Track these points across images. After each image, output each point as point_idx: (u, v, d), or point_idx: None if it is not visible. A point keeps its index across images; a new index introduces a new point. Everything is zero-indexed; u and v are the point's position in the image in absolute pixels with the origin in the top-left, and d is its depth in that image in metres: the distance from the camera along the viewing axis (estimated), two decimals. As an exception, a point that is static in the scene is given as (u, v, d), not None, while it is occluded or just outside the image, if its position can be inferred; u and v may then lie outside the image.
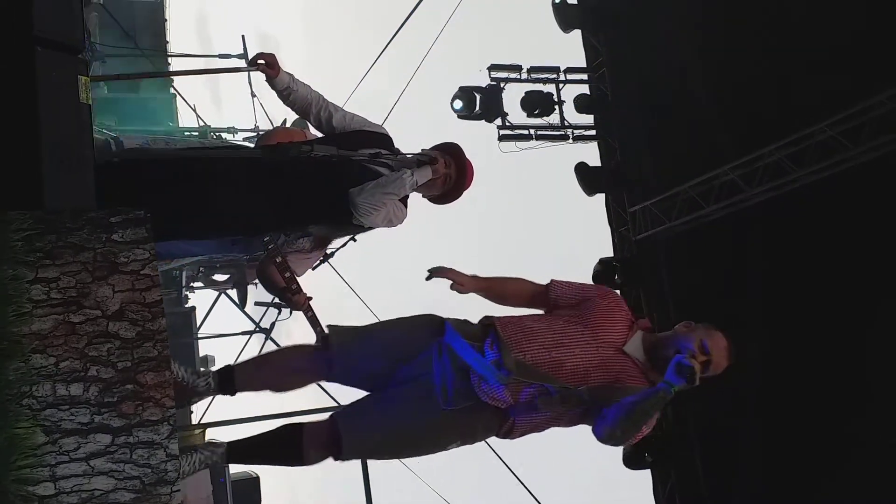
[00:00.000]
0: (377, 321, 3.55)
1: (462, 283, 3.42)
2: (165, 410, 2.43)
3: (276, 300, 4.00)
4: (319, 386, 9.32)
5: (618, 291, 3.57)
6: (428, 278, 3.43)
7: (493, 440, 3.45)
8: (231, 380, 3.28)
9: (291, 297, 3.82)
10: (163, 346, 2.45)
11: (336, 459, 3.30)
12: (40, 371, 2.37)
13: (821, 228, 7.57)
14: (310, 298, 3.86)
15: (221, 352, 16.75)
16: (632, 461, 9.67)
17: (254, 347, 14.79)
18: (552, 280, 3.55)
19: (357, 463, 10.05)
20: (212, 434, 10.81)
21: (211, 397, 3.32)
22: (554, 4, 10.55)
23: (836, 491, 7.46)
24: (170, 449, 2.42)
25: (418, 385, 3.24)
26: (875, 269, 7.14)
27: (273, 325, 14.10)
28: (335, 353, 3.30)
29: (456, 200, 4.10)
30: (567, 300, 3.49)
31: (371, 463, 10.00)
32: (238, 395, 3.32)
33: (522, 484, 10.03)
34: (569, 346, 3.25)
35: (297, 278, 3.88)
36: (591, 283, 3.62)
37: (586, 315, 3.37)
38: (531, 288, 3.56)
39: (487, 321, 3.37)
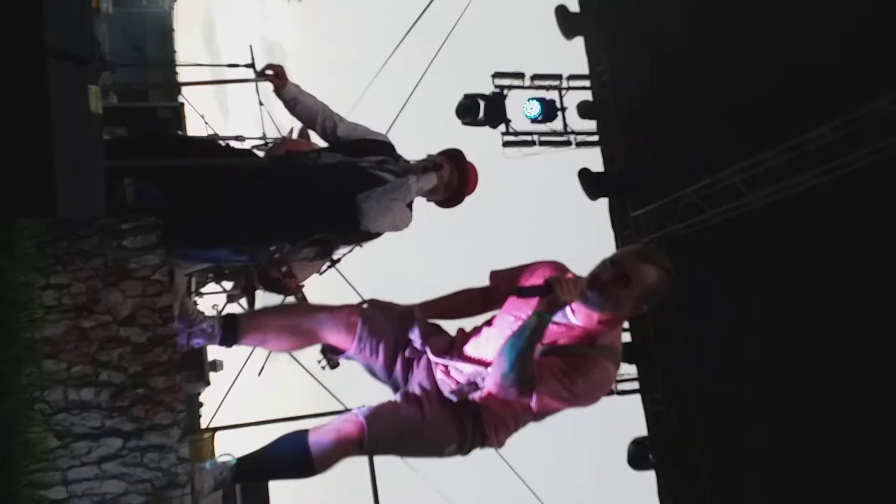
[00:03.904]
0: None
1: None
2: (176, 414, 2.47)
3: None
4: (324, 388, 9.35)
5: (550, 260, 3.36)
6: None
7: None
8: (234, 327, 3.23)
9: (286, 284, 3.89)
10: (173, 351, 2.49)
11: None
12: (52, 376, 2.40)
13: (822, 232, 7.58)
14: (301, 286, 3.95)
15: (231, 358, 16.80)
16: (637, 462, 9.68)
17: (263, 353, 14.80)
18: (490, 271, 3.49)
19: (364, 460, 10.03)
20: (220, 440, 10.80)
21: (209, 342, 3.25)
22: (557, 11, 10.60)
23: (838, 492, 7.48)
24: (180, 452, 2.46)
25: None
26: (877, 272, 7.15)
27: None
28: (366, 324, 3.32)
29: (460, 204, 4.15)
30: (505, 283, 3.39)
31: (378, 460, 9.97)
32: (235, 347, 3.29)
33: (526, 485, 10.04)
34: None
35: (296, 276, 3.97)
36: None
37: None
38: (474, 292, 3.53)
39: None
